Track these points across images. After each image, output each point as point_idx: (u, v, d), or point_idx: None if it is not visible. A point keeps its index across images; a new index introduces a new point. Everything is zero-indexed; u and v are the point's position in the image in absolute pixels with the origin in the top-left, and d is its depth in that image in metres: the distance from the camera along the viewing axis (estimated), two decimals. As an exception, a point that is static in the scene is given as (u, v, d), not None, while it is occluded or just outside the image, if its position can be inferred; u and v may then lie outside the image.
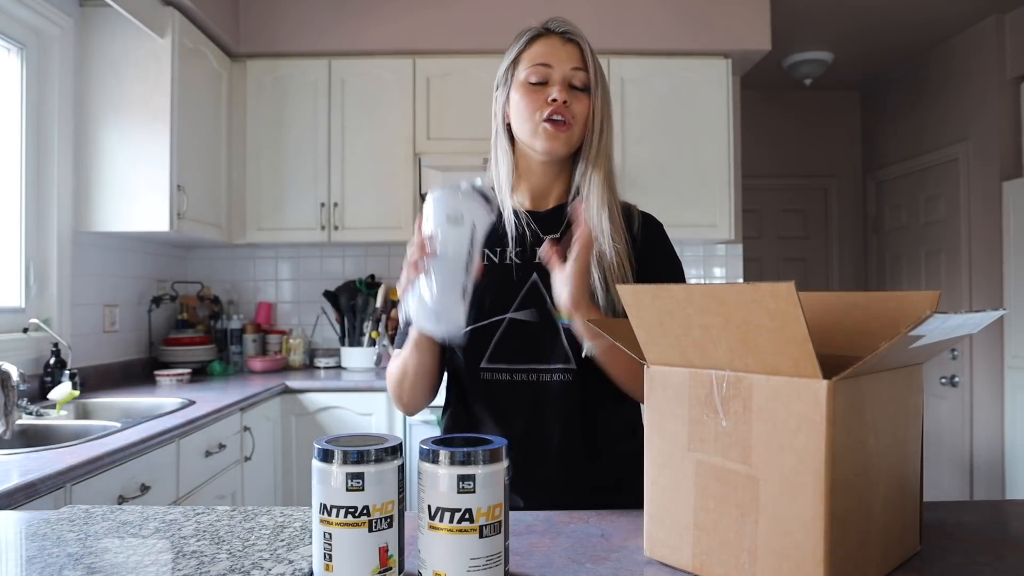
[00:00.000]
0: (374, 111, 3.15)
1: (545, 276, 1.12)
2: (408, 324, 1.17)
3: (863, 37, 3.88)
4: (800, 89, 4.47)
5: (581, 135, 1.12)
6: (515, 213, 1.17)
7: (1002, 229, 3.50)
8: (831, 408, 0.64)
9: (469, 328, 1.11)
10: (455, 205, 0.95)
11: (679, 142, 3.18)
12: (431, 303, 0.95)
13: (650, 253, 1.15)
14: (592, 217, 1.10)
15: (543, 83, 1.10)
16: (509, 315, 1.11)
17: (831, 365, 0.65)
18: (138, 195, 2.60)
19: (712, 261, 3.64)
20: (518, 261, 1.14)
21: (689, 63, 3.20)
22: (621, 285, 0.78)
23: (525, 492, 1.08)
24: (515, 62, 1.14)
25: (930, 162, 4.08)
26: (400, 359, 1.14)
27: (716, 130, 3.18)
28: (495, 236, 1.16)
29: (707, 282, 2.87)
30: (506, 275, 1.13)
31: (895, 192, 4.50)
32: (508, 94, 1.14)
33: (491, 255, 1.16)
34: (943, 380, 3.88)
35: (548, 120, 1.09)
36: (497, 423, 1.12)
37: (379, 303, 3.19)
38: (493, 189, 0.98)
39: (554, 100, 1.08)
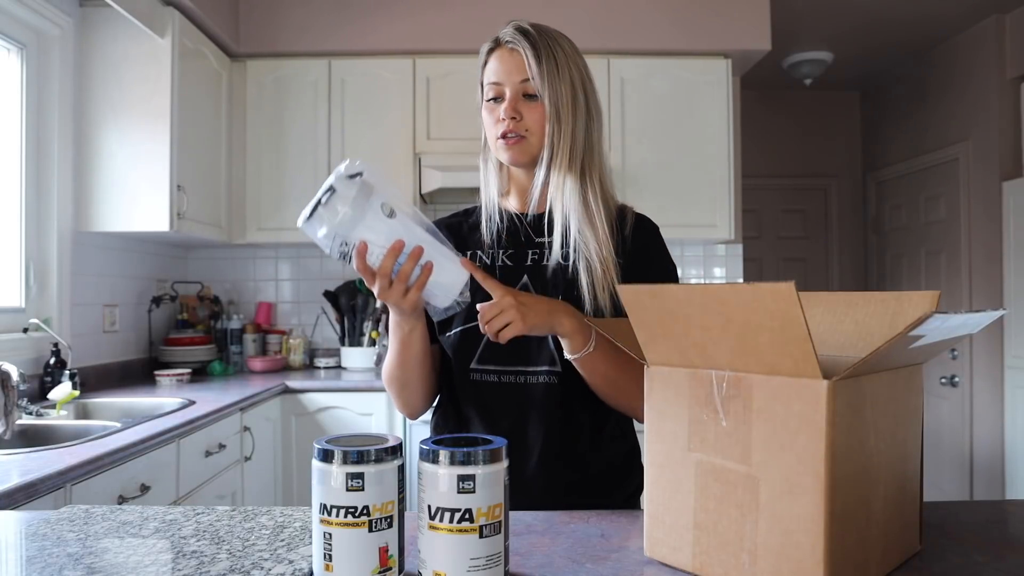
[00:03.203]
0: (374, 111, 3.15)
1: (535, 278, 1.13)
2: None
3: (863, 37, 3.88)
4: (800, 89, 4.47)
5: (540, 143, 1.12)
6: (507, 215, 1.17)
7: (1002, 229, 3.50)
8: (831, 408, 0.64)
9: (459, 329, 1.12)
10: (376, 202, 0.89)
11: (679, 142, 3.18)
12: (442, 280, 0.94)
13: (640, 254, 1.15)
14: (561, 226, 1.11)
15: (499, 100, 1.12)
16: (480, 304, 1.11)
17: (831, 365, 0.65)
18: (138, 195, 2.60)
19: (712, 261, 3.64)
20: (509, 263, 1.15)
21: (689, 63, 3.20)
22: (621, 285, 0.78)
23: (510, 492, 1.08)
24: (481, 76, 1.16)
25: (930, 162, 4.08)
26: (392, 357, 1.14)
27: (716, 130, 3.18)
28: (486, 236, 1.17)
29: (707, 282, 2.87)
30: (496, 277, 1.13)
31: (895, 192, 4.50)
32: (481, 108, 1.17)
33: (483, 257, 1.16)
34: (943, 380, 3.88)
35: (502, 137, 1.11)
36: (484, 423, 1.14)
37: (379, 303, 3.19)
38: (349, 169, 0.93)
39: (502, 119, 1.10)
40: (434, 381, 1.19)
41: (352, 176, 0.88)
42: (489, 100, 1.13)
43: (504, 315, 0.96)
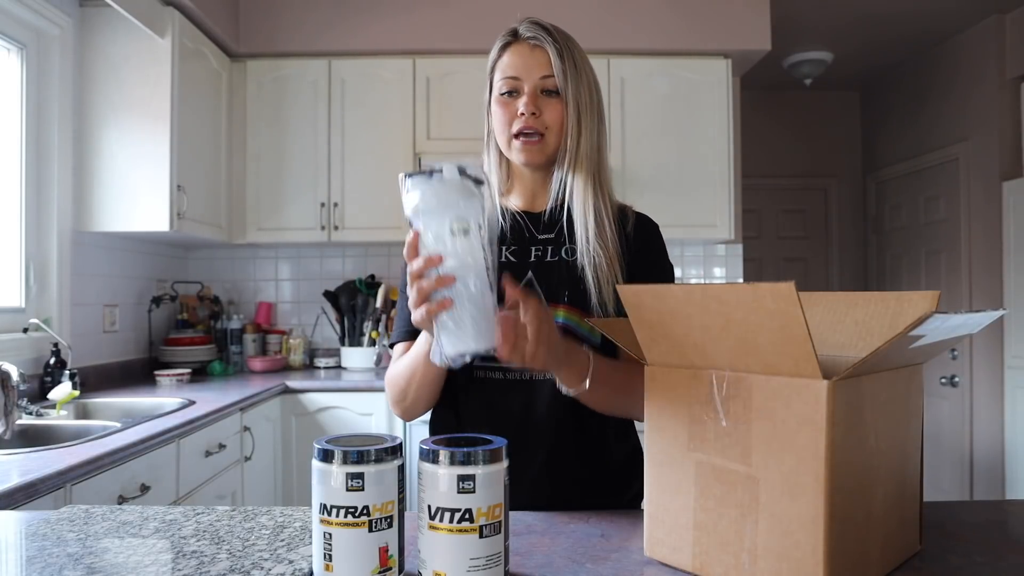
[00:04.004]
0: (374, 111, 3.15)
1: (539, 274, 1.13)
2: (407, 325, 1.16)
3: (863, 37, 3.88)
4: (800, 89, 4.47)
5: (558, 141, 1.11)
6: (510, 213, 1.17)
7: (1002, 229, 3.50)
8: (831, 408, 0.64)
9: None
10: (455, 212, 0.81)
11: (679, 142, 3.19)
12: (462, 329, 0.83)
13: (641, 253, 1.16)
14: (576, 223, 1.11)
15: (515, 94, 1.11)
16: (503, 313, 1.10)
17: (831, 365, 0.65)
18: (138, 195, 2.60)
19: (712, 261, 3.64)
20: (513, 260, 1.15)
21: (689, 63, 3.20)
22: (622, 285, 0.78)
23: (515, 492, 1.08)
24: (492, 70, 1.15)
25: (930, 162, 4.08)
26: (405, 367, 1.10)
27: (716, 130, 3.19)
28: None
29: (707, 282, 2.87)
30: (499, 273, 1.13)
31: (895, 192, 4.50)
32: (489, 103, 1.16)
33: None
34: (943, 380, 3.88)
35: (519, 135, 1.10)
36: (489, 422, 1.12)
37: (379, 303, 3.19)
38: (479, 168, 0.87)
39: (522, 114, 1.09)
40: (439, 392, 1.14)
41: (462, 175, 0.83)
42: (503, 94, 1.12)
43: (530, 341, 0.87)
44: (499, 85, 1.12)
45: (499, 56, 1.14)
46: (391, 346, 1.22)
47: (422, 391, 1.10)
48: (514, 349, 0.87)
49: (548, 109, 1.10)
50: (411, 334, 1.15)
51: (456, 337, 0.83)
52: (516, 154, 1.12)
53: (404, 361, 1.12)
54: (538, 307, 0.89)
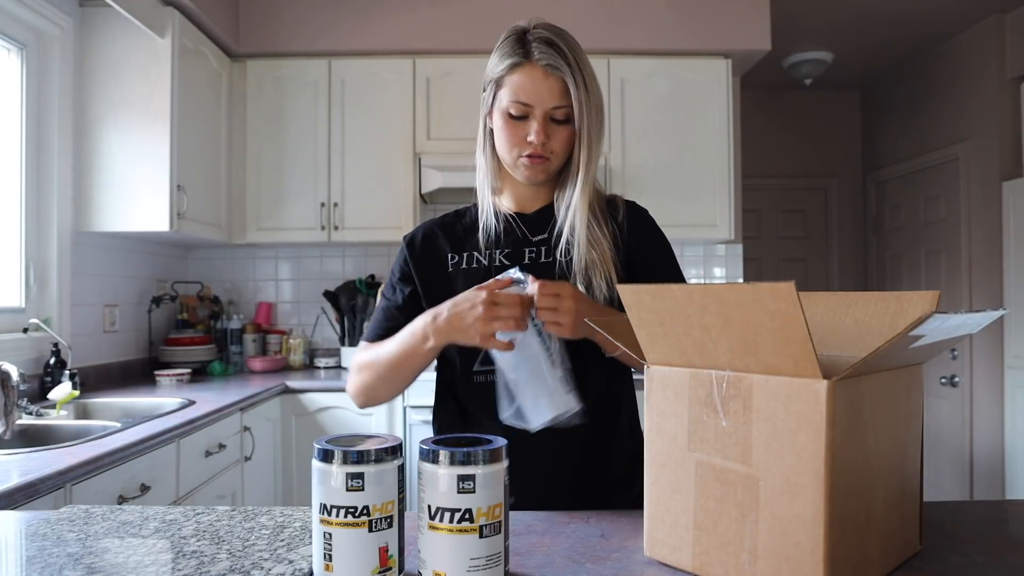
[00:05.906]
0: (374, 111, 3.15)
1: (535, 276, 1.12)
2: (387, 323, 1.19)
3: (863, 37, 3.88)
4: (800, 89, 4.47)
5: (561, 162, 1.12)
6: (503, 215, 1.17)
7: (1002, 229, 3.50)
8: (831, 408, 0.64)
9: None
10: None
11: (679, 142, 3.19)
12: (540, 400, 1.01)
13: (638, 241, 1.16)
14: (567, 224, 1.12)
15: (524, 117, 1.10)
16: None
17: (831, 365, 0.65)
18: (138, 195, 2.60)
19: (712, 261, 3.64)
20: (507, 262, 1.15)
21: (689, 63, 3.20)
22: (621, 285, 0.78)
23: (518, 492, 1.08)
24: (499, 82, 1.11)
25: (930, 162, 4.08)
26: (387, 359, 1.12)
27: (716, 130, 3.18)
28: (482, 238, 1.16)
29: (707, 282, 2.87)
30: (495, 277, 1.13)
31: (895, 192, 4.50)
32: (491, 109, 1.14)
33: (479, 257, 1.16)
34: (943, 380, 3.88)
35: (526, 156, 1.10)
36: (491, 424, 1.12)
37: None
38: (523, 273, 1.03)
39: (531, 141, 1.09)
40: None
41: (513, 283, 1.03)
42: (512, 116, 1.10)
43: (559, 313, 0.97)
44: (507, 105, 1.10)
45: (508, 72, 1.10)
46: (368, 338, 1.23)
47: (400, 384, 1.15)
48: (551, 317, 0.98)
49: (556, 136, 1.10)
50: (383, 338, 1.18)
51: (536, 409, 1.02)
52: (521, 173, 1.13)
53: (385, 350, 1.13)
54: (565, 286, 1.00)
